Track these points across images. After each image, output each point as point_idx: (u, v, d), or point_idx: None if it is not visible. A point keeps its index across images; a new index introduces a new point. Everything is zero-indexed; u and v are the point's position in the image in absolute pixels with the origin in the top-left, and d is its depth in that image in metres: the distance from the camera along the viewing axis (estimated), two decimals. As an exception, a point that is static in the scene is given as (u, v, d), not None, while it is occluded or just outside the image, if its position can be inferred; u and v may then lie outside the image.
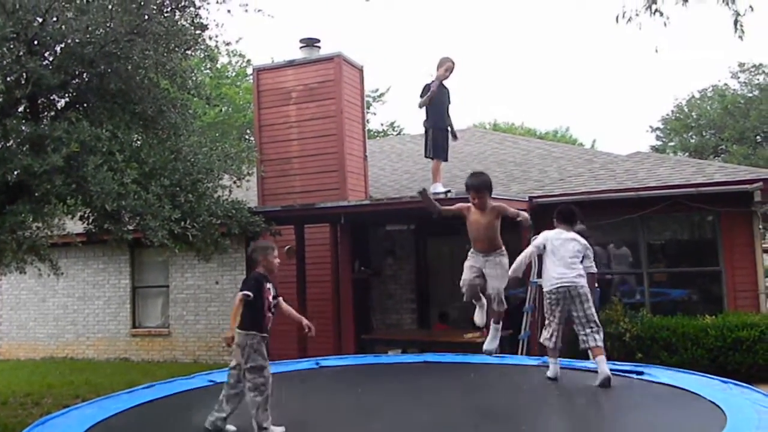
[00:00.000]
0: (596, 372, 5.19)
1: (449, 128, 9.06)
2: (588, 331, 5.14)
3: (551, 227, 5.57)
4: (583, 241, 5.51)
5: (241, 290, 4.34)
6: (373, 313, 11.94)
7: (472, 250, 5.32)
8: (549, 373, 5.36)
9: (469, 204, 5.27)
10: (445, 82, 8.98)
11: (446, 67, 8.75)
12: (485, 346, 5.64)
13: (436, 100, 8.76)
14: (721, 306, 9.62)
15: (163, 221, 7.26)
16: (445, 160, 9.05)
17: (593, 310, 5.32)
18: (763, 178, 9.42)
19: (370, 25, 51.17)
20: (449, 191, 8.65)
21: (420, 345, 9.80)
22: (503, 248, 5.30)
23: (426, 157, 9.45)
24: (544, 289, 5.38)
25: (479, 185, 5.19)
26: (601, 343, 5.13)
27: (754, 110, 26.78)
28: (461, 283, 5.35)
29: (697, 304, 10.01)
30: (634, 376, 5.50)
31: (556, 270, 5.21)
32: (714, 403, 4.37)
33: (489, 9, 62.02)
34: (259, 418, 4.04)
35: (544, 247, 5.31)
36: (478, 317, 5.70)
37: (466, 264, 5.34)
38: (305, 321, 4.85)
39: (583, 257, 5.34)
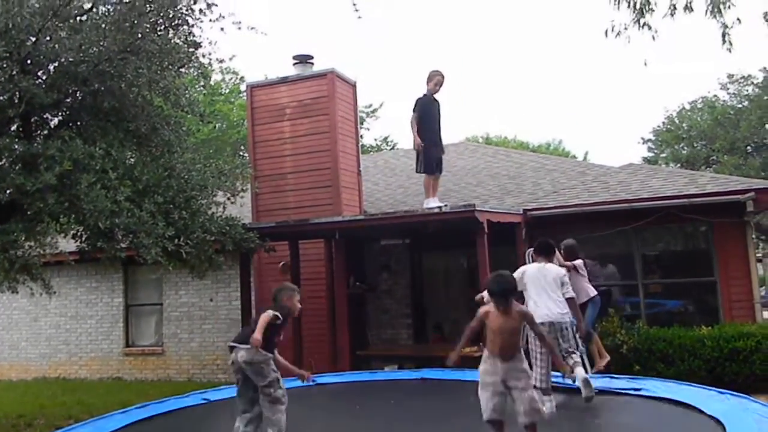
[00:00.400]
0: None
1: (441, 141, 9.12)
2: (573, 356, 5.47)
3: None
4: (560, 270, 5.73)
5: (271, 311, 4.53)
6: (369, 329, 11.88)
7: (486, 354, 4.51)
8: (548, 409, 5.08)
9: (489, 308, 4.53)
10: (435, 96, 9.05)
11: (435, 81, 8.85)
12: None
13: (427, 115, 8.81)
14: (716, 316, 9.62)
15: (157, 238, 7.22)
16: (440, 172, 9.08)
17: (575, 338, 5.51)
18: (755, 189, 9.46)
19: (363, 41, 51.46)
20: (445, 205, 8.65)
21: (416, 360, 9.74)
22: (521, 350, 4.59)
23: (417, 172, 9.49)
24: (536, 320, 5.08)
25: (500, 290, 4.42)
26: (578, 359, 5.47)
27: (744, 121, 26.96)
28: (483, 415, 4.37)
29: (693, 315, 10.01)
30: (633, 392, 5.49)
31: (545, 305, 5.42)
32: (713, 417, 4.36)
33: (481, 24, 62.46)
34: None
35: (524, 282, 5.46)
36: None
37: (483, 379, 4.43)
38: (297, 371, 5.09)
39: (562, 283, 5.54)
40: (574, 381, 5.53)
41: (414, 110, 8.91)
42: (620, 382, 5.71)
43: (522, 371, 4.39)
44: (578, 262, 7.63)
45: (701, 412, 4.57)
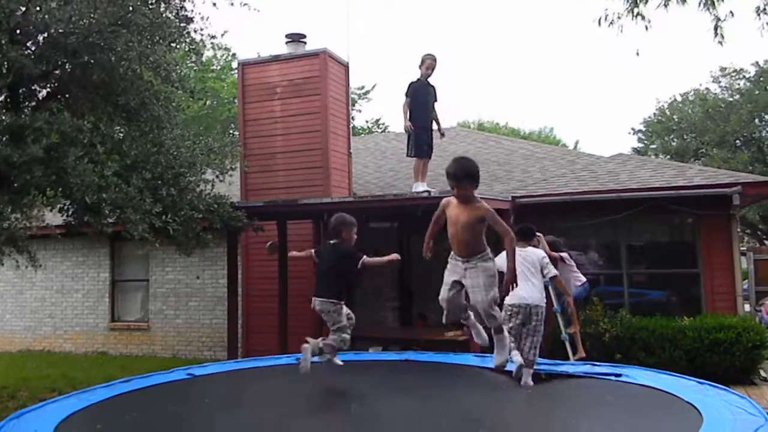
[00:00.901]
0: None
1: (434, 126, 9.08)
2: (527, 343, 5.20)
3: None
4: (539, 252, 5.71)
5: (359, 259, 5.06)
6: (355, 310, 11.90)
7: (452, 254, 4.49)
8: (524, 378, 5.13)
9: (450, 197, 4.48)
10: (429, 80, 9.02)
11: (427, 65, 8.83)
12: (494, 362, 4.92)
13: (418, 99, 8.78)
14: (699, 308, 9.73)
15: (144, 214, 7.19)
16: (429, 157, 9.06)
17: (541, 326, 5.44)
18: (741, 182, 9.54)
19: (356, 22, 51.14)
20: (433, 190, 8.66)
21: (401, 343, 9.81)
22: (487, 251, 4.44)
23: (408, 156, 9.48)
24: (507, 302, 5.18)
25: (458, 172, 4.33)
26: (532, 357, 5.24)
27: (734, 114, 27.09)
28: (440, 301, 4.55)
29: (675, 306, 10.13)
30: (613, 378, 5.55)
31: (523, 287, 5.19)
32: (691, 404, 4.42)
33: (476, 9, 62.16)
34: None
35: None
36: (478, 337, 4.88)
37: (445, 275, 4.52)
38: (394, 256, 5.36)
39: (541, 267, 5.51)
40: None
41: (406, 94, 8.89)
42: (601, 368, 5.77)
43: (481, 271, 4.27)
44: (564, 254, 7.76)
45: (679, 399, 4.63)
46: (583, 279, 7.97)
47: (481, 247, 4.39)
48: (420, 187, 8.72)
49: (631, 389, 5.18)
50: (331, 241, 5.15)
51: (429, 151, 9.02)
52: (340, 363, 5.05)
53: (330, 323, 5.01)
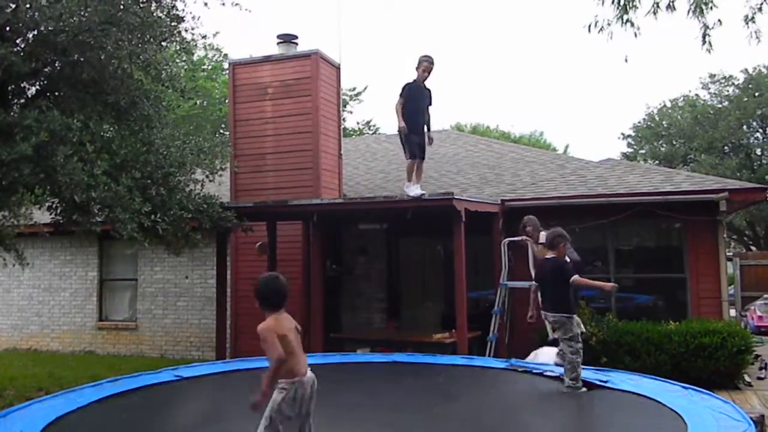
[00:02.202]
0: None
1: (425, 129, 9.01)
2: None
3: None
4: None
5: (571, 274, 5.55)
6: (343, 312, 11.94)
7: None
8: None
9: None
10: (426, 82, 8.94)
11: (423, 67, 8.75)
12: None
13: (412, 100, 8.73)
14: (685, 312, 9.80)
15: (133, 214, 7.17)
16: (422, 158, 8.99)
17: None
18: (728, 189, 9.62)
19: (348, 23, 51.08)
20: (423, 194, 8.59)
21: (389, 344, 9.82)
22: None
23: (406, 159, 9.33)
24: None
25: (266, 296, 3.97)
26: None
27: (722, 121, 27.27)
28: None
29: (662, 310, 10.18)
30: (599, 383, 5.60)
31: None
32: (674, 411, 4.47)
33: (468, 13, 62.32)
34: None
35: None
36: None
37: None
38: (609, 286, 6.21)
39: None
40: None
41: (401, 95, 8.84)
42: (587, 373, 5.82)
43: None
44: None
45: (664, 405, 4.68)
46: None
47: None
48: (413, 189, 8.66)
49: (616, 396, 5.23)
50: (548, 256, 5.69)
51: (421, 153, 8.97)
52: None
53: (561, 333, 5.60)
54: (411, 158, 8.82)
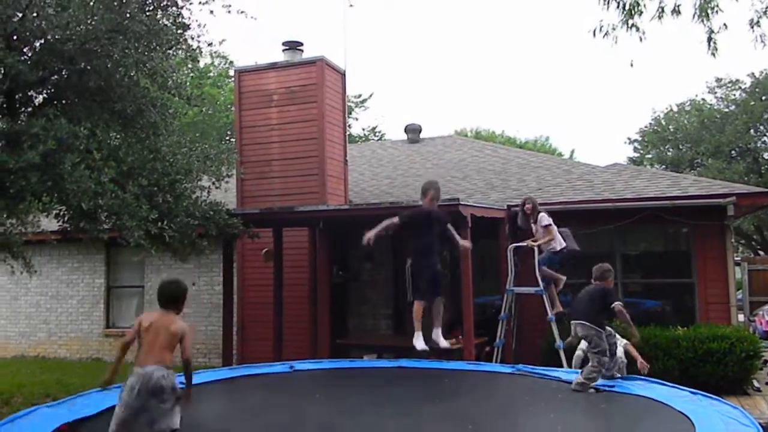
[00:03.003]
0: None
1: (449, 244, 7.15)
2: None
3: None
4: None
5: (614, 301, 6.03)
6: (350, 318, 11.92)
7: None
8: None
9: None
10: (436, 210, 6.73)
11: (431, 196, 6.56)
12: None
13: (416, 227, 6.60)
14: (693, 317, 9.75)
15: (140, 221, 7.20)
16: (429, 300, 6.62)
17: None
18: (736, 193, 9.58)
19: (354, 31, 51.25)
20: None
21: (396, 351, 9.80)
22: None
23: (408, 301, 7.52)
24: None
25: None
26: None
27: (729, 125, 27.16)
28: None
29: (669, 316, 10.14)
30: (606, 388, 5.58)
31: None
32: (683, 414, 4.45)
33: (473, 19, 62.43)
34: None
35: None
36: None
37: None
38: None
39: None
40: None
41: (399, 216, 6.53)
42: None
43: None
44: (548, 218, 8.60)
45: (672, 409, 4.66)
46: (564, 243, 8.60)
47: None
48: (419, 343, 6.47)
49: (625, 399, 5.21)
50: (594, 283, 6.20)
51: (434, 291, 6.53)
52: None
53: (591, 347, 5.88)
54: (415, 298, 6.61)
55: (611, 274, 6.25)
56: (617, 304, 6.00)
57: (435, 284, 6.44)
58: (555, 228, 8.61)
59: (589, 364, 5.79)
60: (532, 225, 8.75)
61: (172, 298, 4.32)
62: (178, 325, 4.17)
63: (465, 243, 7.05)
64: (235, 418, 4.73)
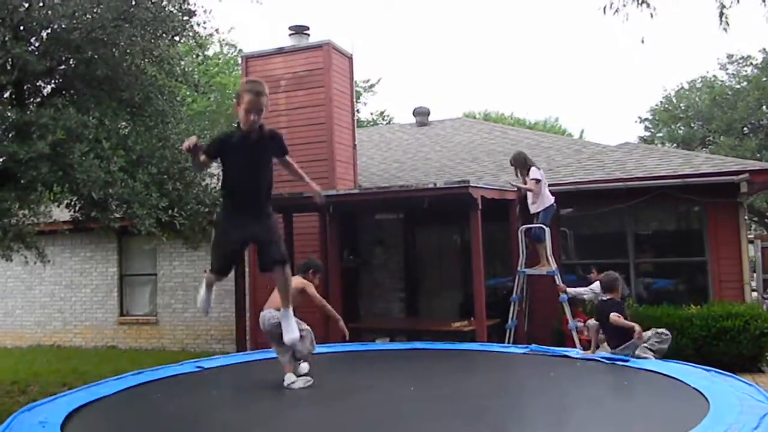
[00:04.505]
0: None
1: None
2: None
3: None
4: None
5: (616, 311, 5.78)
6: (361, 302, 11.96)
7: None
8: None
9: None
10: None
11: (245, 106, 4.36)
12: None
13: (225, 163, 4.74)
14: (706, 296, 9.70)
15: (151, 209, 7.23)
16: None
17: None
18: (749, 170, 9.49)
19: (361, 15, 50.99)
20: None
21: (408, 333, 9.84)
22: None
23: None
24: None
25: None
26: None
27: (741, 102, 26.86)
28: None
29: (682, 294, 10.09)
30: (620, 363, 5.59)
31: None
32: (697, 390, 4.43)
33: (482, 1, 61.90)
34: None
35: None
36: None
37: None
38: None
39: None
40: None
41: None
42: (607, 355, 5.84)
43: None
44: (538, 172, 8.67)
45: (686, 384, 4.65)
46: (552, 199, 8.66)
47: None
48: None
49: (640, 375, 5.21)
50: (605, 297, 6.11)
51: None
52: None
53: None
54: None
55: (619, 283, 6.15)
56: (612, 315, 5.80)
57: (259, 250, 4.34)
58: (545, 183, 8.76)
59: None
60: (527, 179, 8.83)
61: (303, 268, 6.21)
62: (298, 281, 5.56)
63: (315, 185, 4.82)
64: (255, 400, 4.78)
